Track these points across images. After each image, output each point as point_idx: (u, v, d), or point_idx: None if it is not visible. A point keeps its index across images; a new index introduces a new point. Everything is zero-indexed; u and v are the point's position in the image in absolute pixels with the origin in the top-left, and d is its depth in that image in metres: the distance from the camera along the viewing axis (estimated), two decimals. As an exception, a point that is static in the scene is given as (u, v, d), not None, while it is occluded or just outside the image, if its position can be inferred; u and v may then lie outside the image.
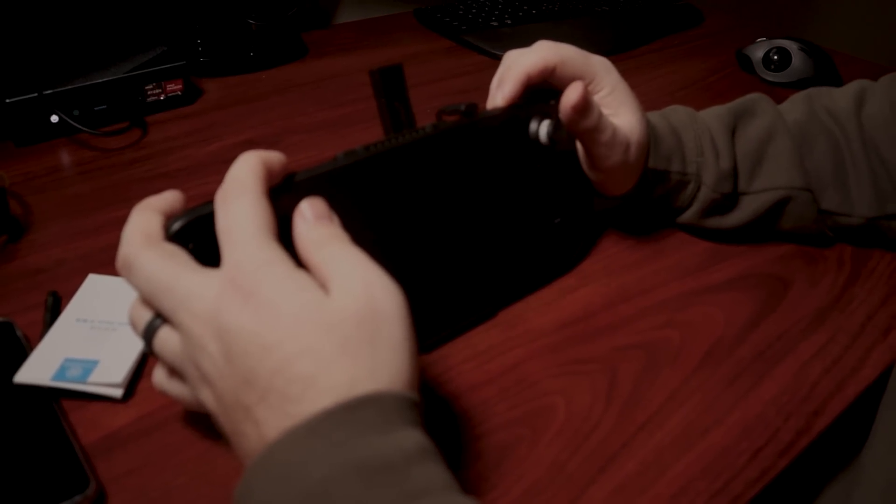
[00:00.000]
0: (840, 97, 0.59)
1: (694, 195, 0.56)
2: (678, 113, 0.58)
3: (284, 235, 0.41)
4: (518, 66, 0.50)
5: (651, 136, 0.54)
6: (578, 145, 0.54)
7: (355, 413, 0.30)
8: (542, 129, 0.51)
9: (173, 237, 0.36)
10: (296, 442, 0.29)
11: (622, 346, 0.50)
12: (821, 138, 0.57)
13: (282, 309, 0.31)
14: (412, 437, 0.31)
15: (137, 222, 0.37)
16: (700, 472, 0.41)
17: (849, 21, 1.39)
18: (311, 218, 0.36)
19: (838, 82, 0.90)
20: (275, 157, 0.38)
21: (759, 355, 0.50)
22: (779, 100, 0.61)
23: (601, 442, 0.43)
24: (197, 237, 0.37)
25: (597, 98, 0.52)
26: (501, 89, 0.50)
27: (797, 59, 0.90)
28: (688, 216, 0.58)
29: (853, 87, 0.60)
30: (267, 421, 0.30)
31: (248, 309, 0.31)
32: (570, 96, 0.49)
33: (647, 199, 0.57)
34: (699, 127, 0.56)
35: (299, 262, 0.35)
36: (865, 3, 1.41)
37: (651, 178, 0.55)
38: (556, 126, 0.51)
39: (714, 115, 0.57)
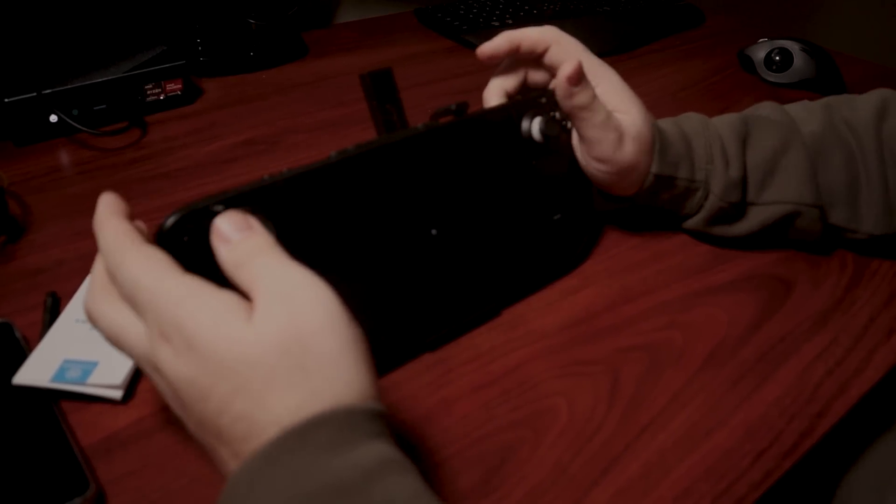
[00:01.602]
0: (861, 108, 0.58)
1: (701, 203, 0.56)
2: (691, 120, 0.57)
3: (286, 236, 0.41)
4: (513, 31, 0.53)
5: (658, 141, 0.53)
6: (575, 137, 0.54)
7: (305, 438, 0.29)
8: (535, 125, 0.52)
9: (168, 232, 0.36)
10: (250, 476, 0.29)
11: (625, 348, 0.49)
12: (836, 152, 0.55)
13: (206, 350, 0.30)
14: (371, 452, 0.29)
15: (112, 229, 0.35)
16: (703, 474, 0.41)
17: (851, 21, 1.39)
18: (229, 233, 0.34)
19: (840, 83, 0.90)
20: (115, 202, 0.37)
21: (762, 357, 0.49)
22: (781, 101, 0.61)
23: (604, 444, 0.42)
24: (191, 231, 0.37)
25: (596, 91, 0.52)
26: (489, 43, 0.53)
27: (799, 59, 0.90)
28: (694, 223, 0.57)
29: (875, 97, 0.59)
30: (227, 459, 0.31)
31: (180, 358, 0.31)
32: (566, 68, 0.50)
33: (653, 205, 0.57)
34: (711, 134, 0.55)
35: None
36: (868, 4, 1.41)
37: (657, 183, 0.54)
38: (549, 122, 0.52)
39: (726, 123, 0.56)
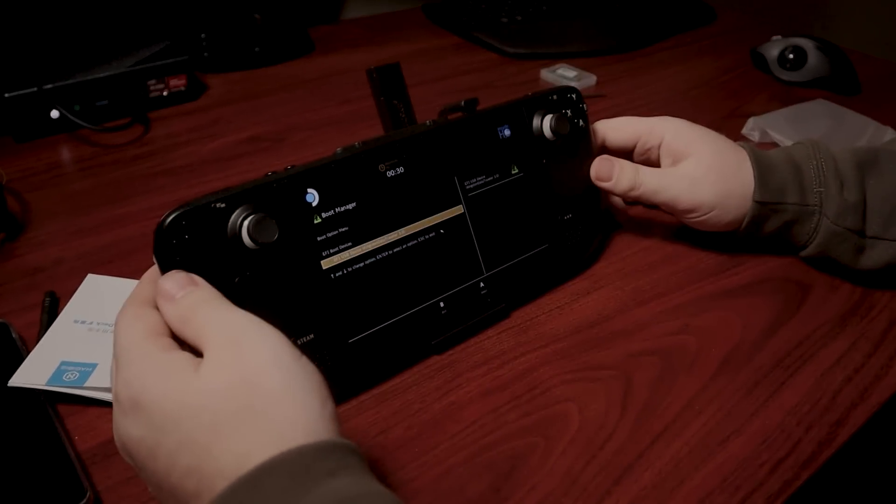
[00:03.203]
0: None
1: (816, 228, 0.53)
2: (801, 145, 0.55)
3: (291, 232, 0.40)
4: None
5: (755, 168, 0.52)
6: (671, 202, 0.55)
7: (255, 489, 0.27)
8: (546, 123, 0.52)
9: (166, 229, 0.36)
10: None
11: (637, 352, 0.48)
12: None
13: (150, 406, 0.30)
14: (327, 495, 0.27)
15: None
16: (719, 485, 0.40)
17: (866, 19, 1.37)
18: (172, 291, 0.33)
19: (855, 82, 0.89)
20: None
21: (778, 363, 0.48)
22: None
23: (616, 452, 0.41)
24: (191, 229, 0.37)
25: (659, 151, 0.55)
26: None
27: (813, 57, 0.88)
28: (812, 249, 0.54)
29: None
30: None
31: (129, 418, 0.31)
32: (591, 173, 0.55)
33: (763, 234, 0.55)
34: (823, 157, 0.53)
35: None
36: (883, 1, 1.39)
37: (762, 211, 0.53)
38: (560, 120, 0.52)
39: (847, 149, 0.54)
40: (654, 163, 0.57)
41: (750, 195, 0.52)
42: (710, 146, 0.54)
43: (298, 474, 0.27)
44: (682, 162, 0.54)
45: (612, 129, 0.57)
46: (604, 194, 0.57)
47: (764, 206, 0.53)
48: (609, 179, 0.54)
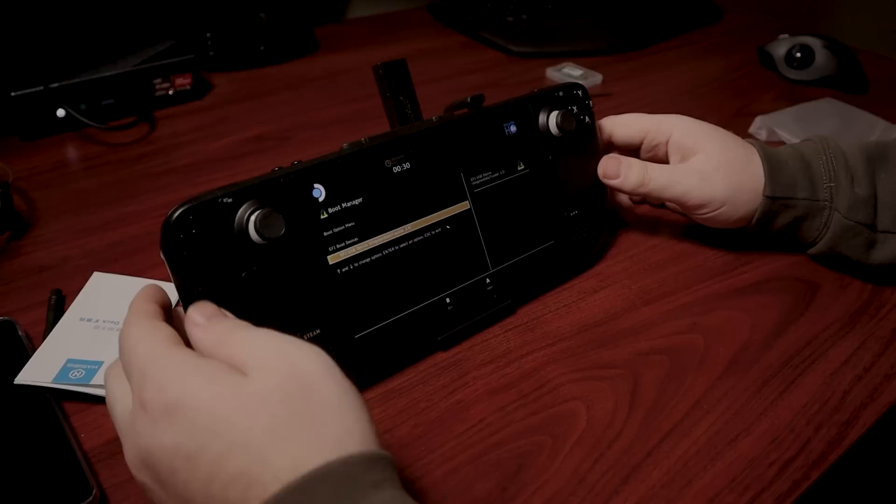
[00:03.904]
0: None
1: (826, 223, 0.53)
2: (810, 141, 0.55)
3: (297, 227, 0.40)
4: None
5: (765, 163, 0.52)
6: (680, 199, 0.54)
7: (307, 495, 0.26)
8: (552, 119, 0.52)
9: (173, 224, 0.36)
10: None
11: (645, 351, 0.48)
12: None
13: (195, 410, 0.28)
14: None
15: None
16: (728, 484, 0.39)
17: (873, 18, 1.37)
18: (203, 321, 0.32)
19: (862, 81, 0.88)
20: (155, 291, 0.35)
21: (787, 362, 0.48)
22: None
23: (624, 451, 0.41)
24: (198, 224, 0.37)
25: (667, 148, 0.55)
26: None
27: (821, 56, 0.88)
28: (820, 247, 0.54)
29: None
30: None
31: (160, 425, 0.29)
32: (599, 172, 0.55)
33: (773, 231, 0.55)
34: (832, 153, 0.53)
35: None
36: (891, 0, 1.38)
37: (772, 206, 0.52)
38: (566, 116, 0.51)
39: (857, 144, 0.54)
40: (662, 159, 0.56)
41: (760, 190, 0.52)
42: (719, 142, 0.53)
43: (346, 484, 0.27)
44: (692, 158, 0.53)
45: (620, 126, 0.56)
46: (610, 193, 0.57)
47: (774, 202, 0.52)
48: (617, 177, 0.54)
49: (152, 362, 0.30)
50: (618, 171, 0.54)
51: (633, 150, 0.57)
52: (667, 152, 0.56)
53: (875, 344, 0.50)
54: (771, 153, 0.53)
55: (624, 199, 0.60)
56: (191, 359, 0.30)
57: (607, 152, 0.58)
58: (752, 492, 0.39)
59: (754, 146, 0.54)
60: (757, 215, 0.53)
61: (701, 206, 0.53)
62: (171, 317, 0.35)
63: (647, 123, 0.56)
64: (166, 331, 0.32)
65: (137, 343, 0.31)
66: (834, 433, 0.43)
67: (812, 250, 0.55)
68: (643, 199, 0.60)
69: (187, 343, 0.33)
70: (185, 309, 0.38)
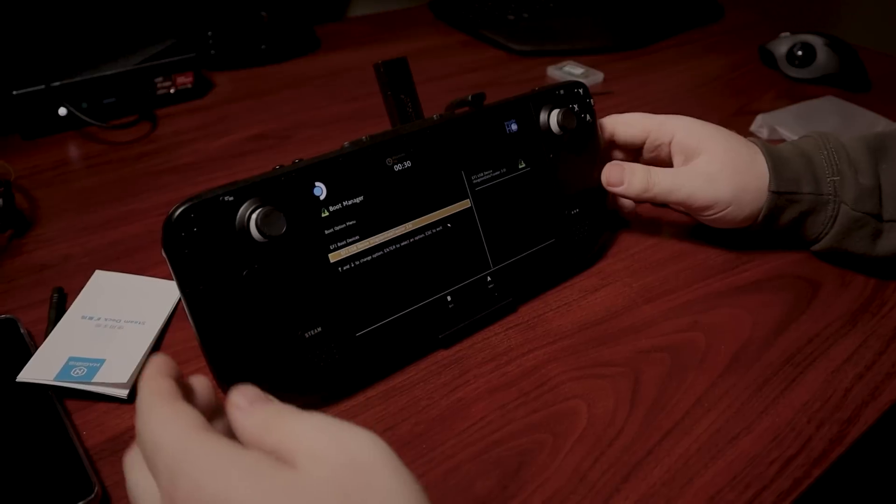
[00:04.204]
0: None
1: (833, 217, 0.53)
2: (809, 137, 0.55)
3: (299, 225, 0.40)
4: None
5: (769, 160, 0.52)
6: (686, 201, 0.54)
7: None
8: (553, 118, 0.52)
9: (175, 222, 0.36)
10: None
11: (646, 349, 0.48)
12: None
13: None
14: None
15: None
16: (729, 482, 0.39)
17: (875, 16, 1.36)
18: (246, 404, 0.29)
19: (864, 79, 0.88)
20: (164, 361, 0.31)
21: (788, 360, 0.48)
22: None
23: (625, 449, 0.41)
24: (199, 222, 0.37)
25: (670, 149, 0.55)
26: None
27: (822, 54, 0.88)
28: (826, 241, 0.54)
29: None
30: None
31: None
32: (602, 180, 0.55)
33: (778, 227, 0.54)
34: (833, 147, 0.53)
35: None
36: (891, -2, 1.38)
37: (778, 202, 0.52)
38: (567, 114, 0.51)
39: (856, 137, 0.54)
40: (665, 160, 0.56)
41: (765, 188, 0.52)
42: (723, 142, 0.53)
43: None
44: (696, 159, 0.53)
45: (622, 125, 0.56)
46: (611, 194, 0.57)
47: (780, 197, 0.52)
48: (620, 184, 0.54)
49: (183, 455, 0.26)
50: (621, 178, 0.54)
51: (634, 150, 0.57)
52: (670, 153, 0.56)
53: (877, 342, 0.50)
54: (773, 150, 0.53)
55: (626, 201, 0.60)
56: (228, 448, 0.26)
57: (609, 151, 0.58)
58: (753, 490, 0.39)
59: (757, 144, 0.54)
60: (763, 211, 0.53)
61: (707, 208, 0.53)
62: (186, 390, 0.31)
63: (650, 123, 0.56)
64: (191, 414, 0.28)
65: (161, 432, 0.27)
66: (835, 431, 0.43)
67: (816, 246, 0.55)
68: (650, 201, 0.59)
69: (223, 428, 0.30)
70: (186, 310, 0.38)
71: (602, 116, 0.57)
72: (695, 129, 0.54)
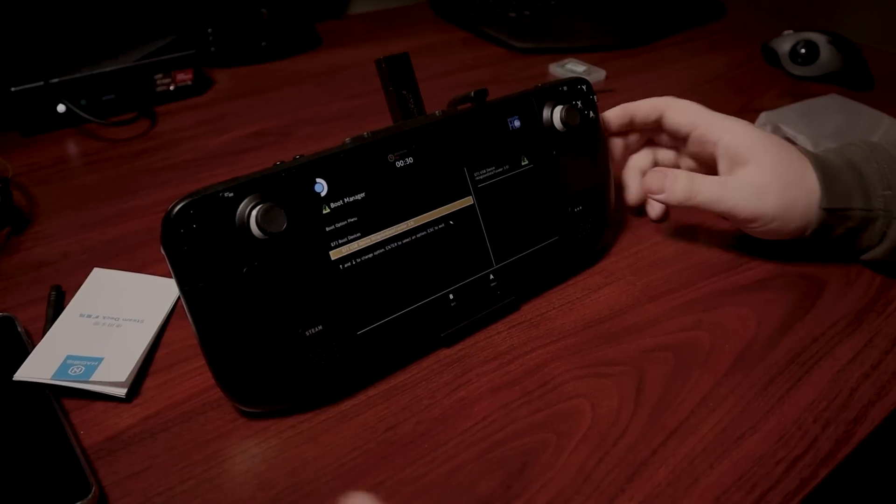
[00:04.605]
0: None
1: (883, 232, 0.52)
2: (856, 147, 0.54)
3: (299, 222, 0.40)
4: (626, 104, 0.57)
5: (821, 173, 0.50)
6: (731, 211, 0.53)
7: None
8: (556, 114, 0.51)
9: (174, 218, 0.35)
10: None
11: (650, 348, 0.47)
12: None
13: None
14: None
15: None
16: (735, 483, 0.39)
17: (878, 14, 1.36)
18: None
19: (867, 77, 0.88)
20: None
21: (793, 359, 0.47)
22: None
23: (629, 448, 0.40)
24: (199, 219, 0.36)
25: (715, 150, 0.53)
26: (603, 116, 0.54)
27: (826, 52, 0.87)
28: (876, 254, 0.53)
29: None
30: None
31: None
32: (645, 187, 0.54)
33: (826, 240, 0.53)
34: (882, 158, 0.52)
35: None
36: (894, -4, 1.38)
37: (829, 218, 0.51)
38: (570, 110, 0.51)
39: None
40: (707, 159, 0.55)
41: (814, 203, 0.50)
42: (774, 153, 0.51)
43: None
44: (744, 169, 0.51)
45: (675, 111, 0.55)
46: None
47: (832, 214, 0.51)
48: (661, 192, 0.52)
49: None
50: (662, 186, 0.52)
51: (677, 139, 0.57)
52: (714, 154, 0.54)
53: (882, 341, 0.49)
54: (824, 163, 0.51)
55: (633, 199, 0.59)
56: None
57: (650, 132, 0.57)
58: (760, 490, 0.39)
59: (807, 157, 0.52)
60: (812, 227, 0.51)
61: (751, 221, 0.51)
62: None
63: (701, 119, 0.54)
64: None
65: None
66: (842, 431, 0.42)
67: (866, 256, 0.54)
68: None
69: None
70: (185, 308, 0.37)
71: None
72: (746, 135, 0.52)
